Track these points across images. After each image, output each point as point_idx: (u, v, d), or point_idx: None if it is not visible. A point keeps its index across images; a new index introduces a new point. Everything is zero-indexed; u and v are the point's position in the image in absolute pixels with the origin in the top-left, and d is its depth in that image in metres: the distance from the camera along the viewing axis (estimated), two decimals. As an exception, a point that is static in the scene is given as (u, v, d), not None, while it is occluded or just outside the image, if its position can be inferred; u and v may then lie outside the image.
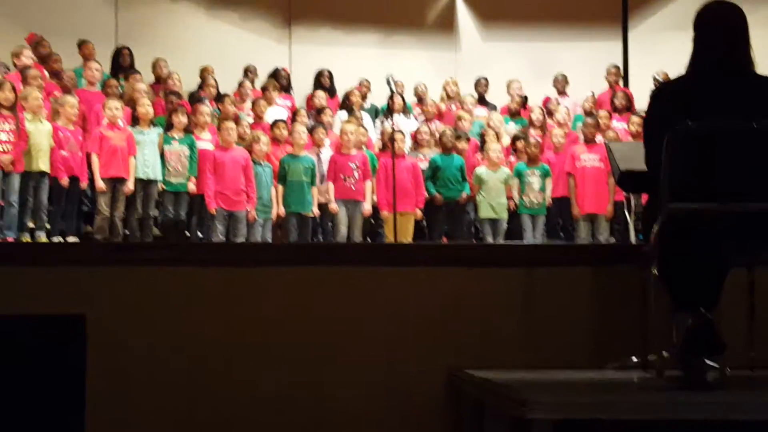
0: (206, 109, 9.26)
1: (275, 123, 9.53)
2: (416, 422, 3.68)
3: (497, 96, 11.46)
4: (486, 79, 11.48)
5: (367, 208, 9.11)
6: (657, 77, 10.17)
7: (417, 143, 9.86)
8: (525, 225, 9.39)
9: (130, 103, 9.09)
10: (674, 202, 3.12)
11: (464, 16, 13.01)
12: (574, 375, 3.46)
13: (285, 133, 9.34)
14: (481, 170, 9.47)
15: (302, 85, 11.52)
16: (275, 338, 3.68)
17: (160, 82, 10.34)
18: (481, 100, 11.22)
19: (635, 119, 9.65)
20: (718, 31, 3.36)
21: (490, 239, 9.17)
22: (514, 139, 10.07)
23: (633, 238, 8.86)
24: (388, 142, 8.99)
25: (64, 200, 8.36)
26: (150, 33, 11.70)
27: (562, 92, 11.41)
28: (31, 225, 8.11)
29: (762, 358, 3.52)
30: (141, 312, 3.66)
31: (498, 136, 9.98)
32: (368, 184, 9.14)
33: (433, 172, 9.40)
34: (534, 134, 10.13)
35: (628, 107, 10.61)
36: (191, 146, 8.76)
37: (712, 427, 2.83)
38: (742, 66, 3.34)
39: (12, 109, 7.98)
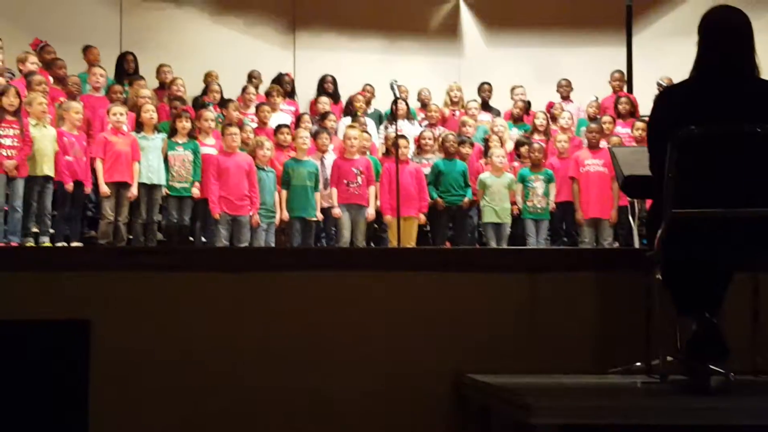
0: (210, 114, 9.28)
1: (279, 128, 9.54)
2: (421, 427, 3.67)
3: (501, 101, 11.46)
4: (489, 85, 11.48)
5: (370, 212, 9.12)
6: (661, 83, 10.17)
7: (420, 148, 9.88)
8: (528, 230, 9.40)
9: (134, 108, 9.11)
10: (678, 207, 3.12)
11: (468, 21, 13.02)
12: (579, 380, 3.46)
13: (288, 138, 9.35)
14: (485, 176, 9.48)
15: (306, 91, 11.54)
16: (279, 343, 3.68)
17: (164, 87, 10.36)
18: (485, 106, 11.22)
19: (639, 124, 9.64)
20: (723, 36, 3.36)
21: (493, 244, 9.17)
22: (518, 144, 10.07)
23: (637, 243, 8.87)
24: (392, 147, 9.00)
25: (68, 205, 8.37)
26: (154, 38, 11.72)
27: (566, 97, 11.41)
28: (35, 230, 8.12)
29: (766, 363, 3.51)
30: (144, 317, 3.66)
31: (502, 142, 9.99)
32: (372, 189, 9.15)
33: (436, 177, 9.41)
34: (538, 139, 10.13)
35: (632, 112, 10.61)
36: (195, 151, 8.78)
37: (716, 433, 2.83)
38: (747, 71, 3.34)
39: (16, 114, 8.00)
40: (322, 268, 3.80)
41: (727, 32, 3.37)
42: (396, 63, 12.02)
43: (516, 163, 9.90)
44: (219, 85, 10.51)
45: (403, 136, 9.23)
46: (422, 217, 9.24)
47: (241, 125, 9.37)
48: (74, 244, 8.27)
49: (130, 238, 8.57)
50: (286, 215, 8.92)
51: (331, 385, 3.67)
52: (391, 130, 9.60)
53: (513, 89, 11.37)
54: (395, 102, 9.22)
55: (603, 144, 9.50)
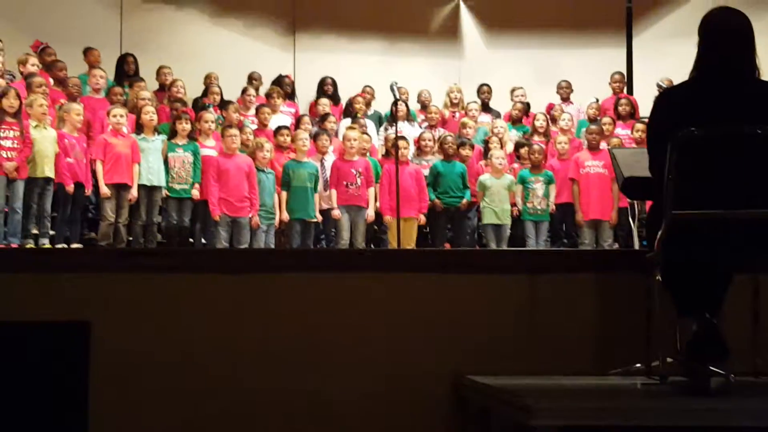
0: (210, 116, 9.28)
1: (278, 130, 9.55)
2: (421, 429, 3.67)
3: (501, 103, 11.46)
4: (488, 86, 11.48)
5: (369, 214, 9.12)
6: (661, 84, 10.17)
7: (420, 150, 9.88)
8: (528, 231, 9.40)
9: (135, 110, 9.11)
10: (678, 208, 3.12)
11: (468, 23, 13.03)
12: (578, 381, 3.46)
13: (288, 139, 9.35)
14: (485, 177, 9.48)
15: (306, 93, 11.54)
16: (279, 344, 3.68)
17: (164, 89, 10.36)
18: (484, 107, 11.22)
19: (639, 126, 9.65)
20: (723, 38, 3.37)
21: (493, 245, 9.17)
22: (518, 145, 10.08)
23: (637, 245, 8.87)
24: (392, 148, 9.00)
25: (69, 207, 8.37)
26: (155, 40, 11.73)
27: (566, 99, 11.41)
28: (34, 231, 8.12)
29: (766, 364, 3.51)
30: (144, 318, 3.66)
31: (502, 143, 9.99)
32: (371, 191, 9.15)
33: (435, 179, 9.41)
34: (537, 141, 10.14)
35: (632, 114, 10.61)
36: (195, 153, 8.79)
37: (716, 434, 2.83)
38: (747, 72, 3.35)
39: (17, 116, 8.01)
40: (321, 269, 3.80)
41: (728, 33, 3.37)
42: (396, 64, 12.02)
43: (516, 165, 9.90)
44: (219, 86, 10.51)
45: (402, 138, 9.24)
46: (422, 218, 9.24)
47: (241, 127, 9.38)
48: (74, 245, 8.27)
49: (130, 239, 8.57)
50: (285, 216, 8.93)
51: (331, 386, 3.67)
52: (391, 131, 9.60)
53: (513, 91, 11.37)
54: (395, 103, 9.23)
55: (603, 145, 9.51)
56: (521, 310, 3.79)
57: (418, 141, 9.99)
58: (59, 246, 8.15)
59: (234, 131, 8.92)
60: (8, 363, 3.55)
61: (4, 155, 7.89)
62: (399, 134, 8.98)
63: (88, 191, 8.60)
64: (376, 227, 9.42)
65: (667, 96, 3.61)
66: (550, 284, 3.81)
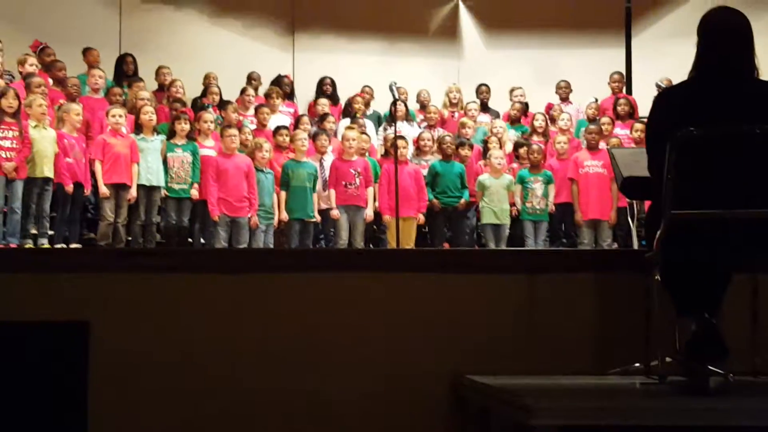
0: (209, 116, 9.29)
1: (277, 130, 9.55)
2: (420, 429, 3.67)
3: (500, 103, 11.46)
4: (487, 86, 11.49)
5: (368, 213, 9.12)
6: (660, 84, 10.17)
7: (419, 150, 9.88)
8: (527, 231, 9.41)
9: (134, 110, 9.11)
10: (677, 208, 3.12)
11: (467, 23, 13.03)
12: (578, 381, 3.46)
13: (287, 139, 9.36)
14: (484, 177, 9.49)
15: (305, 93, 11.54)
16: (278, 344, 3.68)
17: (163, 89, 10.36)
18: (483, 107, 11.22)
19: (638, 126, 9.65)
20: (722, 37, 3.37)
21: (492, 245, 9.18)
22: (517, 145, 10.08)
23: (636, 244, 8.87)
24: (391, 148, 9.00)
25: (68, 207, 8.37)
26: (153, 40, 11.72)
27: (565, 99, 11.41)
28: (33, 231, 8.12)
29: (765, 364, 3.51)
30: (143, 318, 3.66)
31: (501, 143, 9.99)
32: (370, 191, 9.15)
33: (433, 179, 9.42)
34: (536, 141, 10.14)
35: (631, 114, 10.62)
36: (194, 153, 8.79)
37: (715, 433, 2.83)
38: (746, 72, 3.35)
39: (15, 116, 8.01)
40: (320, 269, 3.80)
41: (727, 33, 3.37)
42: (395, 64, 12.02)
43: (515, 165, 9.90)
44: (218, 86, 10.52)
45: (401, 137, 9.24)
46: (421, 217, 9.24)
47: (240, 127, 9.38)
48: (73, 245, 8.27)
49: (129, 239, 8.58)
50: (284, 216, 8.93)
51: (330, 386, 3.66)
52: (390, 131, 9.61)
53: (512, 91, 11.37)
54: (394, 103, 9.23)
55: (602, 145, 9.51)
56: (520, 310, 3.79)
57: (417, 141, 9.99)
58: (58, 246, 8.15)
59: (233, 131, 8.92)
60: (7, 363, 3.55)
61: (3, 155, 7.89)
62: (398, 134, 8.98)
63: (87, 191, 8.60)
64: (375, 227, 9.43)
65: (666, 96, 3.61)
66: (550, 284, 3.81)
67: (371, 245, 9.26)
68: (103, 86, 9.78)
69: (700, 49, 3.41)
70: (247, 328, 3.69)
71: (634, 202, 8.82)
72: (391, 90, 8.81)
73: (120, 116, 8.67)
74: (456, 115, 10.95)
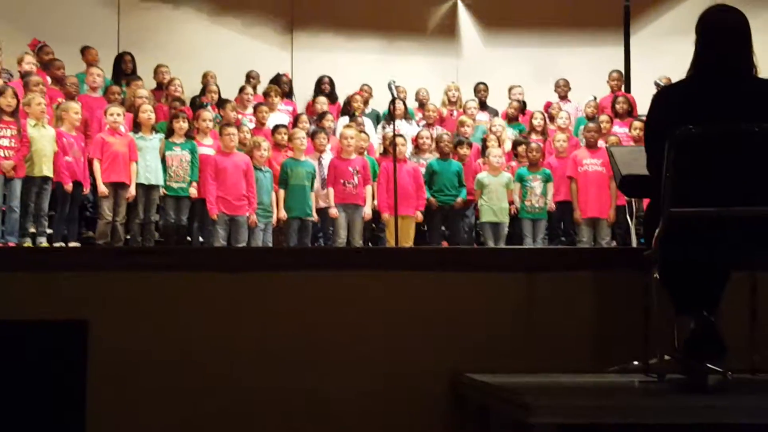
0: (208, 114, 9.28)
1: (276, 128, 9.55)
2: (419, 427, 3.67)
3: (499, 101, 11.46)
4: (485, 85, 11.49)
5: (367, 212, 9.12)
6: (659, 82, 10.18)
7: (418, 148, 9.88)
8: (526, 230, 9.40)
9: (132, 109, 9.11)
10: (675, 206, 3.12)
11: (466, 21, 13.03)
12: (577, 379, 3.46)
13: (286, 138, 9.35)
14: (483, 175, 9.49)
15: (304, 91, 11.54)
16: (276, 343, 3.68)
17: (162, 88, 10.36)
18: (481, 106, 11.22)
19: (637, 124, 9.66)
20: (720, 36, 3.37)
21: (491, 243, 9.18)
22: (515, 144, 10.08)
23: (634, 243, 8.87)
24: (389, 146, 9.00)
25: (68, 205, 8.37)
26: (152, 39, 11.72)
27: (563, 97, 11.42)
28: (32, 230, 8.11)
29: (764, 361, 3.51)
30: (142, 317, 3.66)
31: (499, 141, 9.99)
32: (368, 189, 9.15)
33: (430, 177, 9.41)
34: (535, 139, 10.14)
35: (630, 112, 10.62)
36: (192, 151, 8.79)
37: (714, 431, 2.82)
38: (744, 70, 3.35)
39: (14, 114, 8.00)
40: (319, 267, 3.80)
41: (725, 31, 3.37)
42: (394, 63, 12.02)
43: (513, 163, 9.90)
44: (217, 85, 10.52)
45: (400, 136, 9.24)
46: (419, 215, 9.24)
47: (238, 125, 9.37)
48: (72, 244, 8.27)
49: (128, 238, 8.57)
50: (283, 215, 8.93)
51: (329, 385, 3.66)
52: (389, 129, 9.60)
53: (511, 89, 11.37)
54: (393, 102, 9.22)
55: (601, 143, 9.51)
56: (519, 308, 3.79)
57: (415, 139, 9.99)
58: (57, 245, 8.15)
59: (232, 130, 8.91)
60: (6, 362, 3.55)
61: (2, 154, 7.89)
62: (397, 132, 8.98)
63: (86, 190, 8.59)
64: (374, 225, 9.43)
65: (665, 94, 3.61)
66: (548, 282, 3.81)
67: (370, 244, 9.26)
68: (102, 85, 9.77)
69: (698, 48, 3.41)
70: (245, 326, 3.69)
71: (633, 200, 8.82)
72: (390, 88, 8.80)
73: (118, 115, 8.66)
74: (455, 113, 10.95)
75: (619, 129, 10.20)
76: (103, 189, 8.42)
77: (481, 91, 11.42)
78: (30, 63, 9.26)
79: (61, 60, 9.71)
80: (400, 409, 3.67)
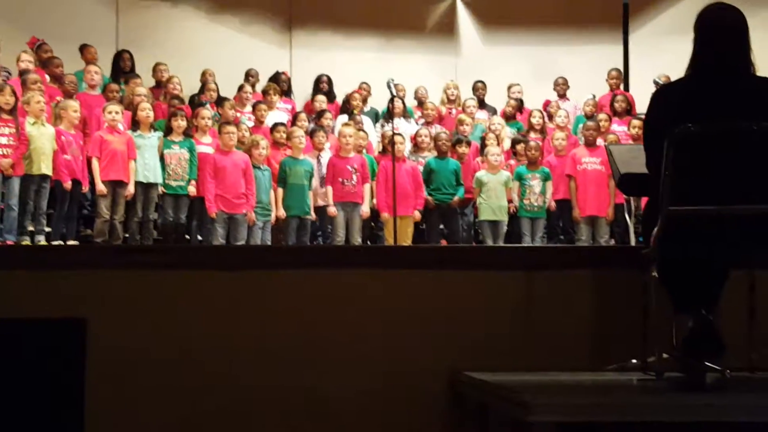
0: (207, 112, 9.28)
1: (275, 126, 9.55)
2: (418, 425, 3.67)
3: (498, 99, 11.46)
4: (483, 83, 11.49)
5: (365, 210, 9.11)
6: (657, 80, 10.18)
7: (417, 146, 9.88)
8: (524, 228, 9.40)
9: (131, 107, 9.10)
10: (674, 204, 3.12)
11: (465, 20, 13.03)
12: (575, 377, 3.46)
13: (284, 136, 9.35)
14: (481, 174, 9.48)
15: (303, 89, 11.54)
16: (275, 341, 3.68)
17: (160, 86, 10.36)
18: (480, 104, 11.22)
19: (635, 122, 9.66)
20: (719, 34, 3.37)
21: (490, 242, 9.18)
22: (514, 142, 10.08)
23: (633, 241, 8.87)
24: (388, 145, 9.00)
25: (66, 204, 8.36)
26: (151, 37, 11.71)
27: (562, 95, 11.42)
28: (30, 228, 8.11)
29: (762, 360, 3.52)
30: (140, 315, 3.65)
31: (498, 140, 9.99)
32: (367, 187, 9.15)
33: (428, 175, 9.41)
34: (534, 137, 10.14)
35: (629, 110, 10.62)
36: (191, 150, 8.79)
37: (712, 429, 2.83)
38: (742, 68, 3.35)
39: (12, 113, 8.00)
40: (318, 266, 3.80)
41: (723, 30, 3.37)
42: (393, 61, 12.02)
43: (512, 161, 9.90)
44: (215, 83, 10.52)
45: (399, 134, 9.24)
46: (417, 214, 9.24)
47: (237, 124, 9.37)
48: (70, 242, 8.27)
49: (126, 236, 8.57)
50: (282, 213, 8.93)
51: (328, 383, 3.66)
52: (388, 128, 9.60)
53: (510, 87, 11.38)
54: (392, 100, 9.23)
55: (600, 142, 9.52)
56: (518, 307, 3.79)
57: (414, 138, 9.99)
58: (55, 243, 8.15)
59: (231, 128, 8.91)
60: (4, 360, 3.55)
61: (0, 152, 7.88)
62: (395, 131, 8.98)
63: (85, 188, 8.59)
64: (372, 224, 9.42)
65: (664, 93, 3.61)
66: (547, 281, 3.81)
67: (369, 242, 9.26)
68: (100, 83, 9.77)
69: (696, 46, 3.41)
70: (244, 325, 3.69)
71: (632, 198, 8.81)
72: (389, 87, 8.80)
73: (117, 113, 8.66)
74: (453, 111, 10.95)
75: (618, 127, 10.21)
76: (101, 187, 8.41)
77: (479, 89, 11.42)
78: (27, 61, 9.25)
79: (60, 58, 9.69)
80: (399, 407, 3.67)
